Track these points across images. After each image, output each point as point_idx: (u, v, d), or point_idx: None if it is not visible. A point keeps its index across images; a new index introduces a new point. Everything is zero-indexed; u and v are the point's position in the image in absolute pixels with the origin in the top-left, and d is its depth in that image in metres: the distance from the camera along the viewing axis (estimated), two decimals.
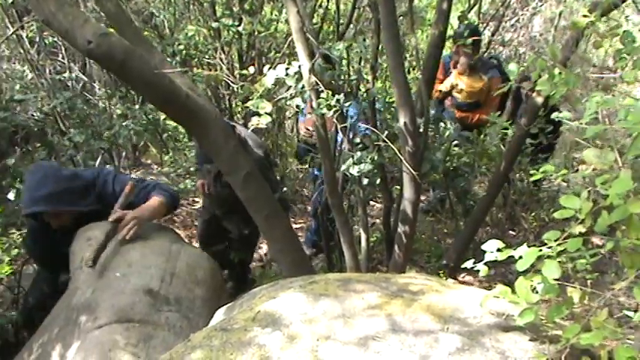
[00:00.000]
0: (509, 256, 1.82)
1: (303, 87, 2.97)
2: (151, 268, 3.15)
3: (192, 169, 6.69)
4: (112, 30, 3.03)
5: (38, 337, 3.06)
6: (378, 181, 3.80)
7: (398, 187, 3.99)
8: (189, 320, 2.99)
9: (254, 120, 2.67)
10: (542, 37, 8.62)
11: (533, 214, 5.27)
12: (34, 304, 3.60)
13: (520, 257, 1.74)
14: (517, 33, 8.50)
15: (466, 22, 5.11)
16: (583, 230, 1.71)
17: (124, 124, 4.86)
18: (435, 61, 3.71)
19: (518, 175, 5.14)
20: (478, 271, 1.95)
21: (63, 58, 5.07)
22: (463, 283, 4.17)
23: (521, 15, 8.08)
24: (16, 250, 1.75)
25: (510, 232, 5.35)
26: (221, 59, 6.34)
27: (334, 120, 3.22)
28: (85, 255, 3.22)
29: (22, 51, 4.63)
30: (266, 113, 2.65)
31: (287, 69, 2.73)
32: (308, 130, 5.01)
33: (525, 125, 3.73)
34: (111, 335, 2.70)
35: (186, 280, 3.24)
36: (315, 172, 5.23)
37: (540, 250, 1.72)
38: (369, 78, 3.78)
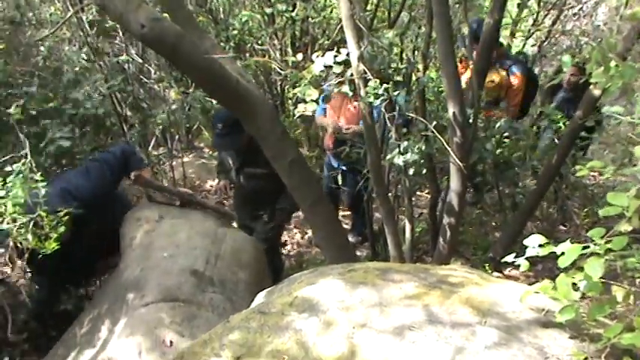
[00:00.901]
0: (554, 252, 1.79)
1: (351, 75, 2.96)
2: (196, 250, 3.23)
3: None
4: (165, 15, 3.09)
5: (88, 312, 3.18)
6: (425, 171, 3.76)
7: (446, 177, 3.95)
8: (232, 302, 3.05)
9: (300, 107, 2.68)
10: (607, 27, 8.30)
11: (586, 209, 5.14)
12: (45, 298, 3.71)
13: (562, 253, 1.71)
14: (580, 22, 8.21)
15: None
16: (629, 228, 1.66)
17: (176, 107, 4.96)
18: (489, 50, 3.63)
19: (573, 168, 5.01)
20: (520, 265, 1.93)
21: (121, 41, 5.18)
22: (509, 277, 4.10)
23: (585, 3, 7.79)
24: (63, 228, 1.81)
25: (562, 227, 5.22)
26: (274, 45, 6.37)
27: (383, 109, 3.20)
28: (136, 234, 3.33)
29: (81, 34, 4.74)
30: (312, 100, 2.67)
31: (335, 56, 2.73)
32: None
33: (580, 118, 3.62)
34: (157, 313, 2.78)
35: (230, 262, 3.30)
36: (332, 163, 5.20)
37: (584, 248, 1.68)
38: (420, 67, 3.74)
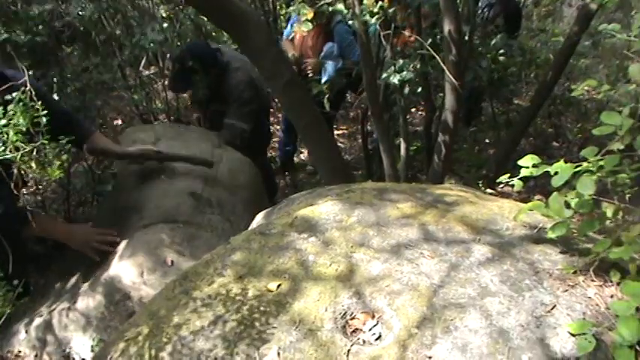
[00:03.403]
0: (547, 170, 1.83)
1: None
2: (194, 172, 3.25)
3: None
4: None
5: None
6: (420, 89, 3.75)
7: (441, 95, 3.94)
8: (230, 223, 3.11)
9: (295, 26, 2.64)
10: None
11: (579, 125, 5.17)
12: None
13: (556, 173, 1.74)
14: None
15: None
16: (622, 147, 1.69)
17: (167, 25, 4.85)
18: None
19: (566, 84, 5.00)
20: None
21: None
22: (501, 194, 4.17)
23: None
24: (66, 156, 1.82)
25: (554, 143, 5.27)
26: None
27: (378, 27, 3.16)
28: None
29: None
30: (307, 20, 2.63)
31: None
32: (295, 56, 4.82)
33: (575, 34, 3.58)
34: (157, 234, 2.83)
35: (228, 184, 3.34)
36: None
37: (577, 167, 1.71)
38: None
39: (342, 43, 4.55)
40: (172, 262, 2.70)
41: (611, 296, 1.61)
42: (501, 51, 4.16)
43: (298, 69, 4.64)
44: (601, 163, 1.70)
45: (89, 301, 2.69)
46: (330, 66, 4.42)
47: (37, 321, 2.74)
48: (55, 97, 3.54)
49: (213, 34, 6.72)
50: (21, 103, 1.67)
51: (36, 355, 2.70)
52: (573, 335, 1.47)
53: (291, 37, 4.84)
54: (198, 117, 4.42)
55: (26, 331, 2.75)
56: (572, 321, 1.51)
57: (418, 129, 5.69)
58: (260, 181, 3.73)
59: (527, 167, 1.85)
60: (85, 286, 2.79)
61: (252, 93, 4.11)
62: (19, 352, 2.73)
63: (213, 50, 4.11)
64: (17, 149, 1.68)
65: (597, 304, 1.58)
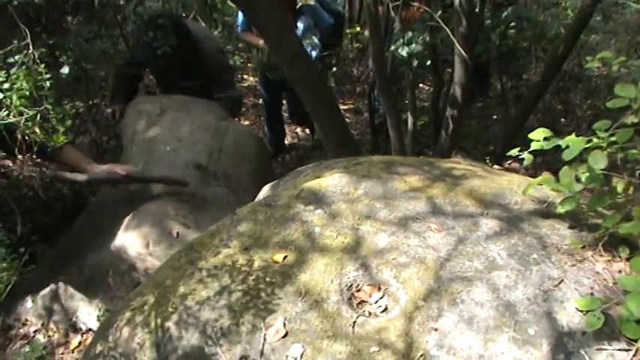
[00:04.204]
0: (557, 145, 1.80)
1: None
2: (199, 144, 3.24)
3: (240, 45, 6.63)
4: None
5: (93, 205, 3.23)
6: (429, 63, 3.71)
7: (449, 70, 3.90)
8: (236, 195, 3.10)
9: None
10: None
11: (588, 101, 5.11)
12: None
13: (567, 147, 1.72)
14: None
15: None
16: (636, 120, 1.66)
17: None
18: None
19: (576, 60, 4.93)
20: (524, 159, 1.94)
21: None
22: (509, 169, 4.15)
23: None
24: (70, 122, 1.80)
25: (563, 119, 5.22)
26: None
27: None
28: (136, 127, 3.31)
29: None
30: None
31: None
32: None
33: (588, 6, 3.52)
34: (162, 206, 2.83)
35: (233, 156, 3.32)
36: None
37: (589, 140, 1.69)
38: None
39: (314, 16, 4.44)
40: (178, 233, 2.70)
41: (620, 271, 1.60)
42: (512, 24, 4.09)
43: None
44: (613, 138, 1.67)
45: (95, 271, 2.70)
46: (313, 53, 4.32)
47: (44, 291, 2.76)
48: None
49: (219, 6, 6.68)
50: (24, 67, 1.65)
51: (42, 324, 2.72)
52: (581, 311, 1.46)
53: (245, 27, 4.63)
54: (113, 110, 3.94)
55: (33, 301, 2.77)
56: (580, 295, 1.50)
57: (425, 104, 5.65)
58: (266, 154, 3.71)
59: (538, 140, 1.83)
60: (91, 256, 2.80)
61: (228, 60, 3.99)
62: (26, 320, 2.75)
63: (186, 23, 3.89)
64: (21, 114, 1.66)
65: (605, 279, 1.57)
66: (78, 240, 3.06)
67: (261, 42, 4.38)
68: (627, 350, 1.38)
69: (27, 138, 1.79)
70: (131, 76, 4.03)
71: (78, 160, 2.79)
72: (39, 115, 1.73)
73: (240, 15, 4.66)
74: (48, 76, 1.70)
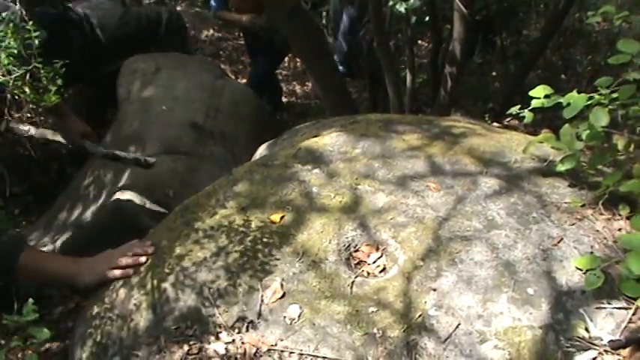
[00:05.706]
0: (558, 102, 1.77)
1: None
2: (195, 103, 3.20)
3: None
4: None
5: (89, 164, 3.21)
6: (427, 19, 3.64)
7: (449, 26, 3.83)
8: (233, 155, 3.08)
9: None
10: None
11: (589, 57, 5.04)
12: None
13: (568, 104, 1.68)
14: None
15: None
16: (638, 77, 1.63)
17: None
18: None
19: (577, 15, 4.84)
20: (524, 116, 1.91)
21: None
22: (508, 127, 4.11)
23: None
24: (61, 81, 1.75)
25: (563, 76, 5.16)
26: None
27: None
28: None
29: None
30: None
31: None
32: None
33: None
34: (159, 166, 2.80)
35: (230, 115, 3.29)
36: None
37: (590, 97, 1.66)
38: None
39: None
40: (174, 193, 2.68)
41: (620, 230, 1.59)
42: None
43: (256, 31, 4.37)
44: (614, 95, 1.64)
45: (91, 231, 2.69)
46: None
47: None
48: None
49: None
50: (11, 24, 1.60)
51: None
52: (580, 270, 1.45)
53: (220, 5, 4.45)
54: None
55: None
56: (580, 254, 1.49)
57: (424, 61, 5.57)
58: (263, 113, 3.67)
59: (539, 98, 1.79)
60: (89, 216, 2.79)
61: None
62: None
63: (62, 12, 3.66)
64: (9, 73, 1.62)
65: (605, 238, 1.56)
66: (74, 198, 3.05)
67: (244, 18, 4.27)
68: (627, 309, 1.38)
69: (17, 97, 1.75)
70: None
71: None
72: (28, 75, 1.69)
73: None
74: (37, 33, 1.66)
